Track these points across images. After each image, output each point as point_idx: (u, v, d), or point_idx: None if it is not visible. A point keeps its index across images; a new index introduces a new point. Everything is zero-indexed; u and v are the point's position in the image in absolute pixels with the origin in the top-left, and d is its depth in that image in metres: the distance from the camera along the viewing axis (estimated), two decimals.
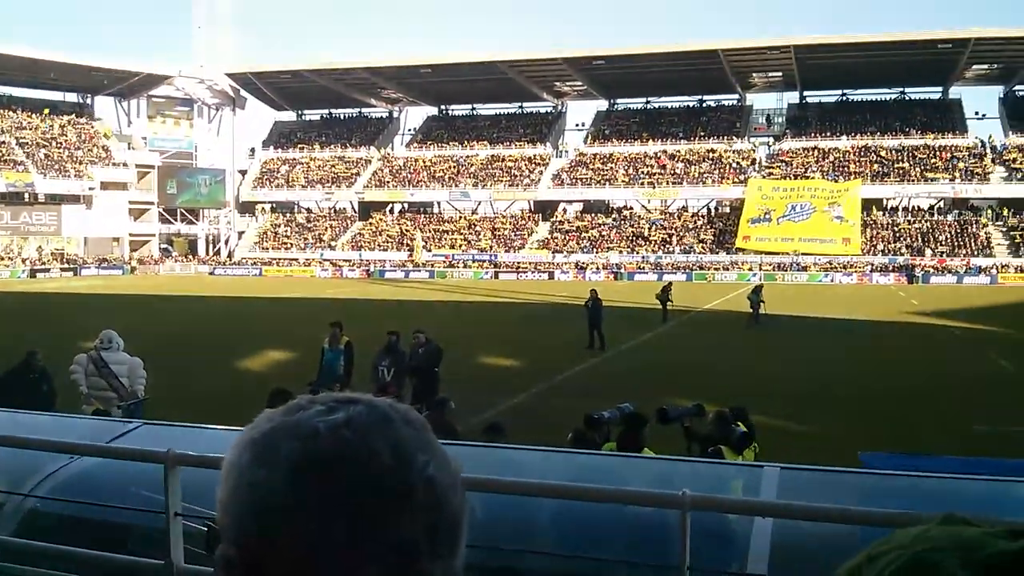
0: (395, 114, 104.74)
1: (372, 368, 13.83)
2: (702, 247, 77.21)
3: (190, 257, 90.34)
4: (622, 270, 74.36)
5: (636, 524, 3.27)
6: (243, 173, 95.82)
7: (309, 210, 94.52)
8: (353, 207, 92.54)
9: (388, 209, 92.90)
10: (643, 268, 74.89)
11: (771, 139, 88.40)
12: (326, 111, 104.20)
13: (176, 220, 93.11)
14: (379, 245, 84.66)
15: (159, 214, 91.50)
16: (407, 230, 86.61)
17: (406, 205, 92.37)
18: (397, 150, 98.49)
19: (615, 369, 21.09)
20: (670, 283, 36.15)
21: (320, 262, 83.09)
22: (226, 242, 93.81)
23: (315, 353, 14.68)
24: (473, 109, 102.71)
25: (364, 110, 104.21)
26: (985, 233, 73.34)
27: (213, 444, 4.74)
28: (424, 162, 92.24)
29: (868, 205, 76.14)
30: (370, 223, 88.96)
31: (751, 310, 32.24)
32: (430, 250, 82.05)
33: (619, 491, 2.78)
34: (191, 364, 20.83)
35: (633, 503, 2.79)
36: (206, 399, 15.92)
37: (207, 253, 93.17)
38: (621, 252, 77.68)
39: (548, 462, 3.87)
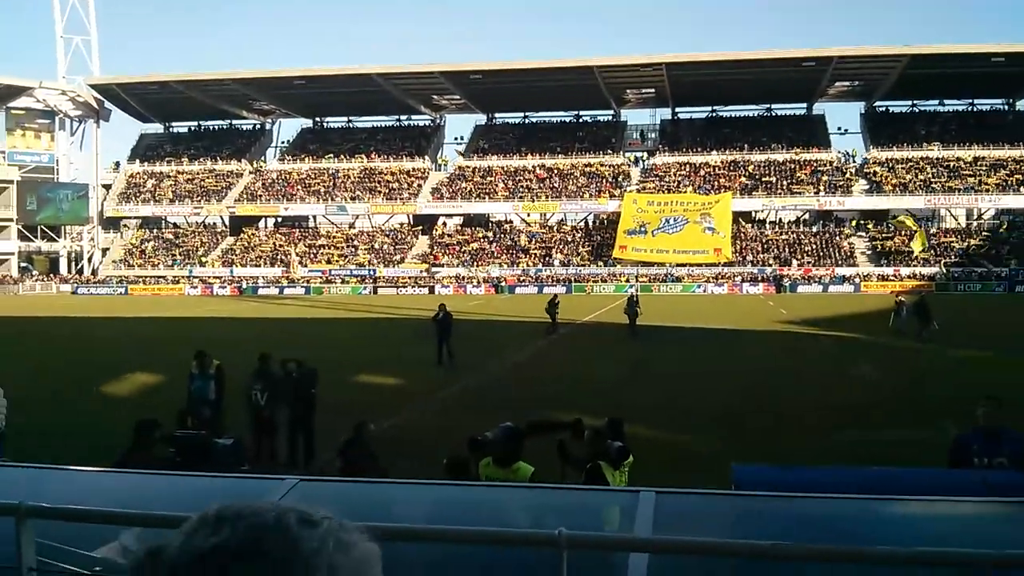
0: (267, 126, 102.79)
1: (244, 393, 13.40)
2: (580, 259, 78.37)
3: (51, 276, 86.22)
4: (503, 283, 74.73)
5: (514, 559, 3.19)
6: (107, 188, 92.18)
7: (177, 225, 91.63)
8: (224, 222, 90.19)
9: (261, 224, 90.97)
10: (524, 281, 75.49)
11: (645, 154, 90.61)
12: (195, 123, 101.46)
13: (36, 237, 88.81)
14: (251, 261, 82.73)
15: (18, 231, 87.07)
16: (281, 245, 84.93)
17: (279, 220, 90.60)
18: (270, 163, 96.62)
19: (498, 383, 21.08)
20: (556, 296, 36.50)
21: (189, 279, 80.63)
22: (89, 259, 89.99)
23: (185, 376, 14.13)
24: (349, 121, 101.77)
25: (235, 122, 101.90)
26: (848, 244, 76.89)
27: (73, 488, 4.42)
28: (298, 175, 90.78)
29: (738, 217, 78.80)
30: (242, 238, 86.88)
31: (628, 321, 32.81)
32: (306, 265, 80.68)
33: (491, 533, 2.69)
34: (52, 391, 19.77)
35: (506, 544, 2.71)
36: (69, 431, 15.11)
37: (70, 271, 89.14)
38: (501, 266, 78.10)
39: (417, 497, 3.75)
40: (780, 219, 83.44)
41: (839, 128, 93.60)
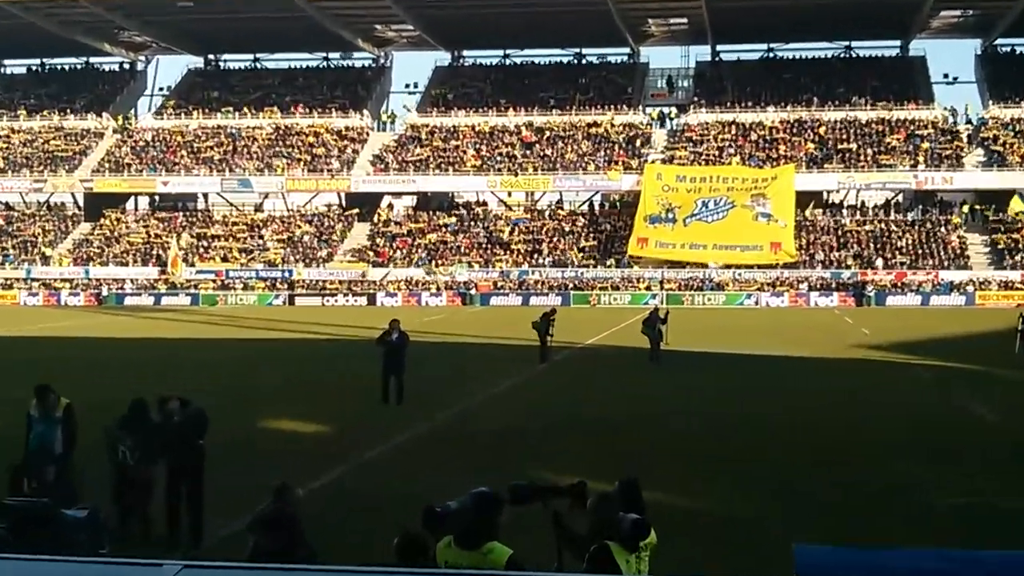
0: (140, 66, 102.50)
1: (108, 446, 13.41)
2: (583, 257, 78.56)
3: None
4: (472, 291, 74.79)
5: None
6: None
7: (9, 206, 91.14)
8: (77, 202, 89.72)
9: (129, 205, 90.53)
10: (502, 288, 75.60)
11: (674, 109, 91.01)
12: (36, 61, 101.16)
13: None
14: (116, 258, 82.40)
15: None
16: (158, 235, 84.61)
17: (156, 199, 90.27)
18: (143, 119, 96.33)
19: (467, 430, 21.12)
20: (553, 309, 36.57)
21: (27, 283, 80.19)
22: None
23: (21, 422, 14.12)
24: (256, 60, 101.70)
25: (94, 60, 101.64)
26: (958, 238, 77.48)
27: None
28: (183, 136, 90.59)
29: (804, 200, 79.20)
30: (102, 225, 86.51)
31: (650, 344, 32.93)
32: (193, 264, 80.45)
33: None
34: None
35: None
36: None
37: None
38: (471, 265, 78.16)
39: None
40: (863, 203, 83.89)
41: (946, 76, 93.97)
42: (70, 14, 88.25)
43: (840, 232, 79.34)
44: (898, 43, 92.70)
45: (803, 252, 76.37)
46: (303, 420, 22.60)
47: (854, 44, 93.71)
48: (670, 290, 73.44)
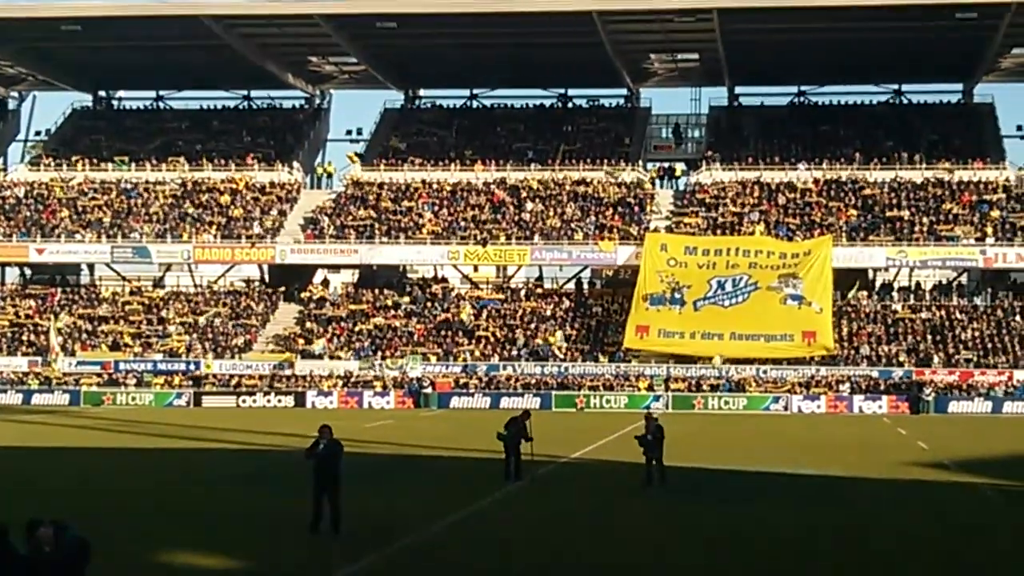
0: (11, 104, 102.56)
1: None
2: (567, 349, 78.42)
3: None
4: (428, 390, 74.50)
5: None
6: None
7: None
8: None
9: None
10: (465, 387, 75.32)
11: (682, 165, 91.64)
12: None
13: None
14: None
15: None
16: (30, 316, 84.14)
17: (28, 271, 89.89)
18: (14, 170, 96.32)
19: (422, 569, 20.84)
20: (526, 412, 36.24)
21: None
22: None
23: None
24: (159, 99, 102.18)
25: None
26: None
27: None
28: (65, 191, 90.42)
29: (845, 280, 79.51)
30: None
31: (644, 458, 32.58)
32: (73, 353, 79.92)
33: None
34: None
35: None
36: None
37: None
38: (427, 359, 77.92)
39: None
40: (917, 284, 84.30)
41: (1019, 128, 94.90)
42: None
43: (890, 321, 79.55)
44: (960, 87, 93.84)
45: (844, 345, 76.48)
46: (209, 554, 22.25)
47: (905, 88, 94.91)
48: (677, 391, 73.31)
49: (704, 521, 26.76)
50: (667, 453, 33.21)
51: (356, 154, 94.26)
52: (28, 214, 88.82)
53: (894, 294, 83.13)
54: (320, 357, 78.50)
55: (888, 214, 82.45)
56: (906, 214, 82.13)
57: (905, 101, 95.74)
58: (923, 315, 79.80)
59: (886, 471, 38.10)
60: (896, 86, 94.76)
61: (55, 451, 44.92)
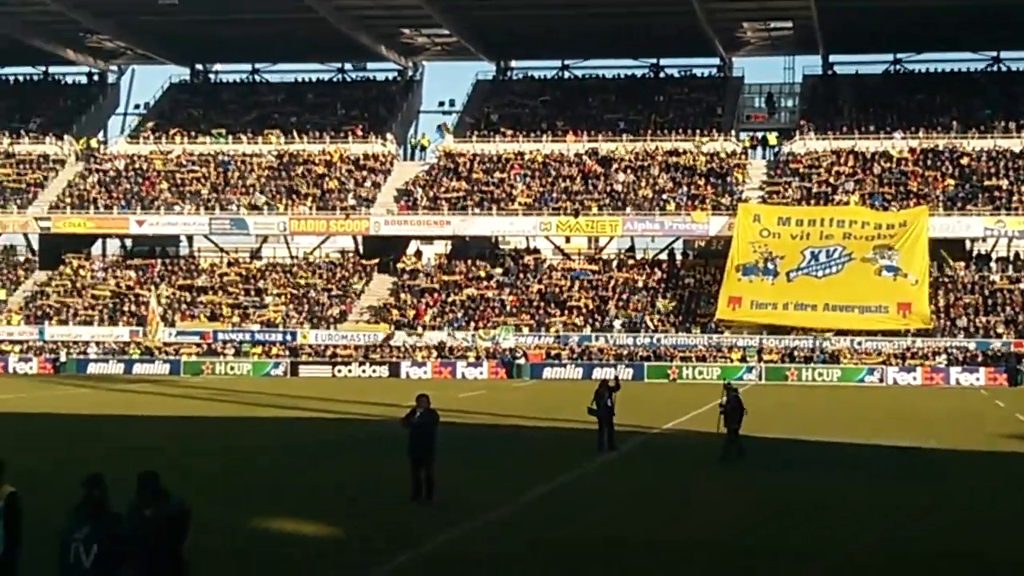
0: (111, 78, 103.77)
1: (62, 544, 13.31)
2: (659, 320, 78.33)
3: None
4: (520, 361, 74.70)
5: None
6: None
7: None
8: (31, 245, 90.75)
9: (95, 249, 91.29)
10: (558, 356, 75.50)
11: (775, 135, 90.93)
12: None
13: None
14: (78, 314, 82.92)
15: None
16: (131, 287, 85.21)
17: (129, 243, 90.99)
18: (114, 143, 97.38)
19: (512, 539, 20.94)
20: (615, 379, 36.26)
21: None
22: None
23: None
24: (254, 72, 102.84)
25: (54, 70, 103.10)
26: None
27: None
28: (163, 164, 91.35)
29: (942, 250, 78.80)
30: (62, 274, 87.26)
31: (723, 430, 32.53)
32: (173, 324, 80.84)
33: None
34: None
35: None
36: None
37: None
38: (520, 329, 78.09)
39: None
40: (1016, 254, 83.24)
41: None
42: (24, 12, 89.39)
43: (988, 291, 78.73)
44: None
45: (940, 316, 75.79)
46: (310, 521, 22.46)
47: (1004, 55, 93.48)
48: (770, 362, 73.11)
49: (787, 494, 26.68)
50: (759, 425, 33.20)
51: (445, 126, 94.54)
52: (128, 187, 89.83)
53: (992, 264, 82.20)
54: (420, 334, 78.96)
55: (986, 183, 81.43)
56: (1004, 183, 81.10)
57: (1004, 68, 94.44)
58: (1022, 286, 78.87)
59: (984, 443, 37.79)
60: (995, 53, 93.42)
61: (155, 420, 45.51)
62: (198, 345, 79.71)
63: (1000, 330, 74.59)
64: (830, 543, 20.52)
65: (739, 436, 31.93)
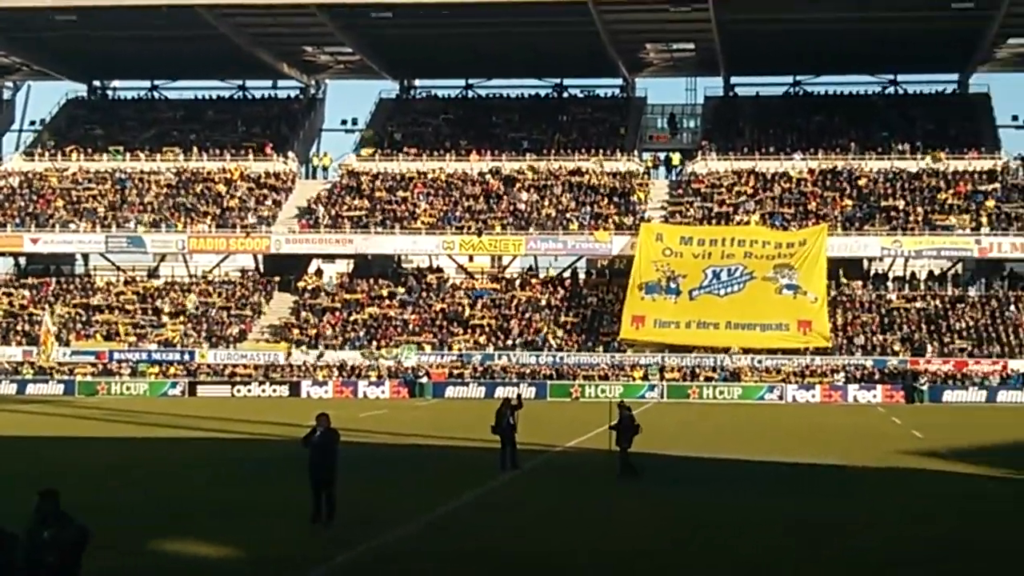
0: (6, 94, 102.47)
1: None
2: (562, 339, 78.43)
3: None
4: (423, 379, 74.49)
5: None
6: None
7: None
8: None
9: None
10: (460, 375, 75.38)
11: (677, 155, 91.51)
12: None
13: None
14: None
15: None
16: (24, 306, 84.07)
17: (24, 260, 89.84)
18: (8, 160, 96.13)
19: (419, 555, 20.82)
20: (517, 398, 36.18)
21: None
22: None
23: None
24: (153, 88, 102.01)
25: None
26: None
27: None
28: (59, 181, 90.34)
29: (839, 268, 79.53)
30: None
31: (616, 448, 32.53)
32: (67, 343, 79.82)
33: None
34: None
35: None
36: None
37: None
38: (422, 348, 77.91)
39: None
40: (912, 274, 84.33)
41: (1015, 118, 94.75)
42: None
43: (885, 310, 79.62)
44: (955, 77, 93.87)
45: (839, 335, 76.51)
46: (208, 543, 22.23)
47: (901, 78, 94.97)
48: (672, 380, 73.43)
49: (690, 511, 26.74)
50: (661, 442, 33.27)
51: (369, 136, 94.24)
52: (23, 204, 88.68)
53: (889, 284, 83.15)
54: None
55: (883, 204, 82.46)
56: (901, 203, 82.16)
57: (901, 91, 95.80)
58: (918, 304, 79.90)
59: (880, 460, 38.09)
60: (892, 76, 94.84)
61: (48, 441, 44.86)
62: (93, 365, 78.60)
63: (897, 348, 75.49)
64: (735, 553, 20.56)
65: (629, 454, 31.98)
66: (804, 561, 20.55)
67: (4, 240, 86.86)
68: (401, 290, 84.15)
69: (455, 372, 76.17)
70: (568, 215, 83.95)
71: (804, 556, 21.05)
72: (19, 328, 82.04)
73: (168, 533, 22.99)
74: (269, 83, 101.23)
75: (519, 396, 39.43)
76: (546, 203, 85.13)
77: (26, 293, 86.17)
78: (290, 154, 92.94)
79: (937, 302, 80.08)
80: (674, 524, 24.72)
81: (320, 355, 77.96)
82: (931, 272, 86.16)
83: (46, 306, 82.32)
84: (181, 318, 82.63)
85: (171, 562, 20.53)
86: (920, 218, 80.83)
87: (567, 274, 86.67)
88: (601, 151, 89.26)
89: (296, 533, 23.04)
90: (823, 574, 19.62)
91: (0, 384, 76.98)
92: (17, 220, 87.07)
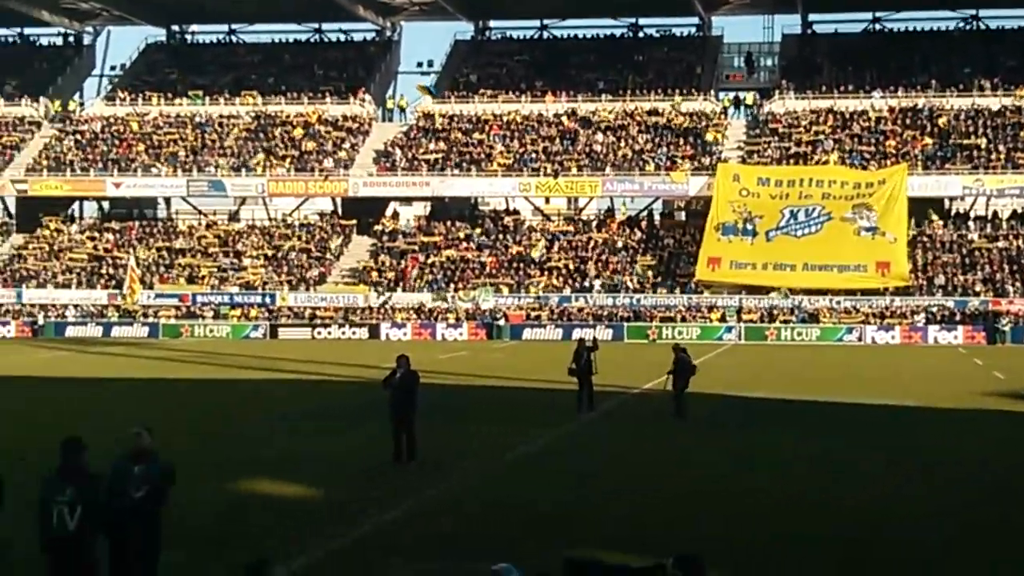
0: (86, 39, 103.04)
1: (42, 508, 13.24)
2: (638, 281, 78.36)
3: None
4: (500, 322, 74.71)
5: None
6: None
7: None
8: (7, 208, 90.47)
9: (73, 211, 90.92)
10: (537, 317, 75.56)
11: (754, 94, 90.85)
12: None
13: None
14: (55, 277, 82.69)
15: None
16: (108, 250, 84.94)
17: (106, 205, 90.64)
18: (90, 105, 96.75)
19: (494, 496, 20.97)
20: (593, 340, 36.26)
21: None
22: None
23: None
24: (231, 33, 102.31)
25: (29, 31, 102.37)
26: None
27: None
28: (140, 126, 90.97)
29: (920, 209, 78.93)
30: (39, 237, 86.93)
31: (669, 388, 32.63)
32: (151, 287, 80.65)
33: None
34: None
35: None
36: None
37: None
38: (499, 290, 78.09)
39: None
40: (995, 213, 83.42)
41: None
42: None
43: (966, 250, 78.86)
44: None
45: (918, 275, 75.95)
46: (290, 483, 22.49)
47: (983, 13, 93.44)
48: (749, 322, 73.23)
49: (769, 450, 26.80)
50: (740, 383, 33.31)
51: (423, 86, 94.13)
52: (105, 149, 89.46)
53: (970, 223, 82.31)
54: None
55: (964, 142, 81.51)
56: (983, 142, 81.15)
57: (983, 26, 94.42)
58: (1000, 244, 79.05)
59: (962, 400, 37.94)
60: (974, 11, 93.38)
61: (134, 383, 45.43)
62: (177, 308, 79.50)
63: (978, 288, 74.76)
64: (828, 495, 20.62)
65: (683, 395, 32.19)
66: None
67: (88, 184, 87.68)
68: (478, 232, 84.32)
69: (532, 314, 76.39)
70: (644, 156, 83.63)
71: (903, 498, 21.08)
72: (104, 271, 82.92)
73: (250, 474, 23.31)
74: (346, 26, 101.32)
75: (594, 338, 39.57)
76: (622, 144, 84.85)
77: (110, 237, 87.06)
78: (367, 97, 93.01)
79: (1020, 242, 79.05)
80: (755, 467, 24.75)
81: (387, 299, 78.37)
82: (1014, 211, 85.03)
83: (130, 250, 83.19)
84: (262, 260, 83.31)
85: (251, 501, 20.85)
86: (1003, 156, 79.85)
87: (643, 215, 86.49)
88: (677, 91, 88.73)
89: (379, 473, 23.29)
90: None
91: (86, 326, 78.03)
92: (100, 165, 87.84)
